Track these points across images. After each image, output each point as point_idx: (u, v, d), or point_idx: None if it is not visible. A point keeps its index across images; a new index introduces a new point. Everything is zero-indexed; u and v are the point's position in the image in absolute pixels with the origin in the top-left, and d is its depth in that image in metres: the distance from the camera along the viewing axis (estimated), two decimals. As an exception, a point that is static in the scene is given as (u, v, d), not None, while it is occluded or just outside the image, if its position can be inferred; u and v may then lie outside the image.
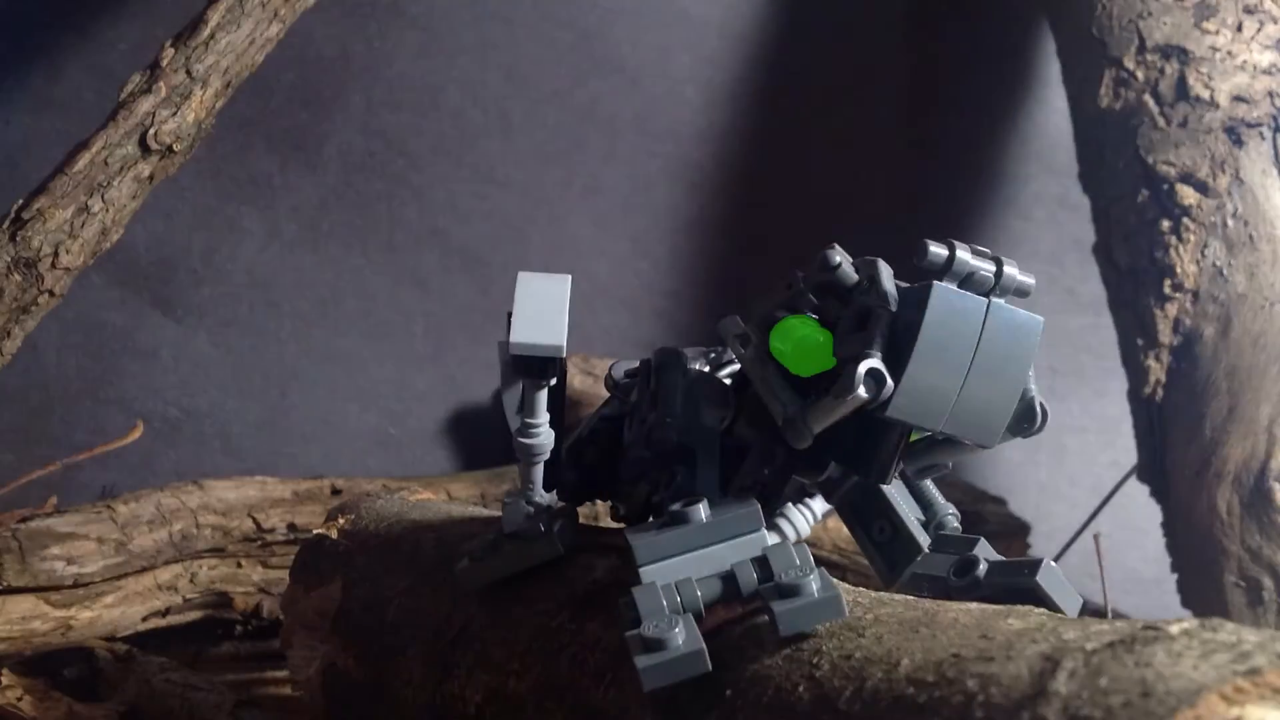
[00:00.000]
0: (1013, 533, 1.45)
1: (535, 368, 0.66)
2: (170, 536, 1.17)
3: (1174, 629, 0.45)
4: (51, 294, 1.05)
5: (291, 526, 1.22)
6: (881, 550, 0.68)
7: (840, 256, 0.61)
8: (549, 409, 0.68)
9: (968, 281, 0.59)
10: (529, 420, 0.67)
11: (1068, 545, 1.43)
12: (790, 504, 0.70)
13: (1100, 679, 0.42)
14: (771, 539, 0.61)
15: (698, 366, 0.72)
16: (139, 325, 1.48)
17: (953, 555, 0.66)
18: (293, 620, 0.88)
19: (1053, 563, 0.61)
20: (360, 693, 0.80)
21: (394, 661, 0.77)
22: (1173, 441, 1.24)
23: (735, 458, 0.66)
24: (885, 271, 0.60)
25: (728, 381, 0.70)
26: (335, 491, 1.26)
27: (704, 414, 0.65)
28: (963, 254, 0.59)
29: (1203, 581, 1.20)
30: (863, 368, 0.56)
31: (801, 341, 0.60)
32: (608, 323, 1.61)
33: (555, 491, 0.71)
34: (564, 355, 0.65)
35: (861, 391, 0.56)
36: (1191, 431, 1.21)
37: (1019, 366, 0.58)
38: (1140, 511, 1.34)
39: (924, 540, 0.68)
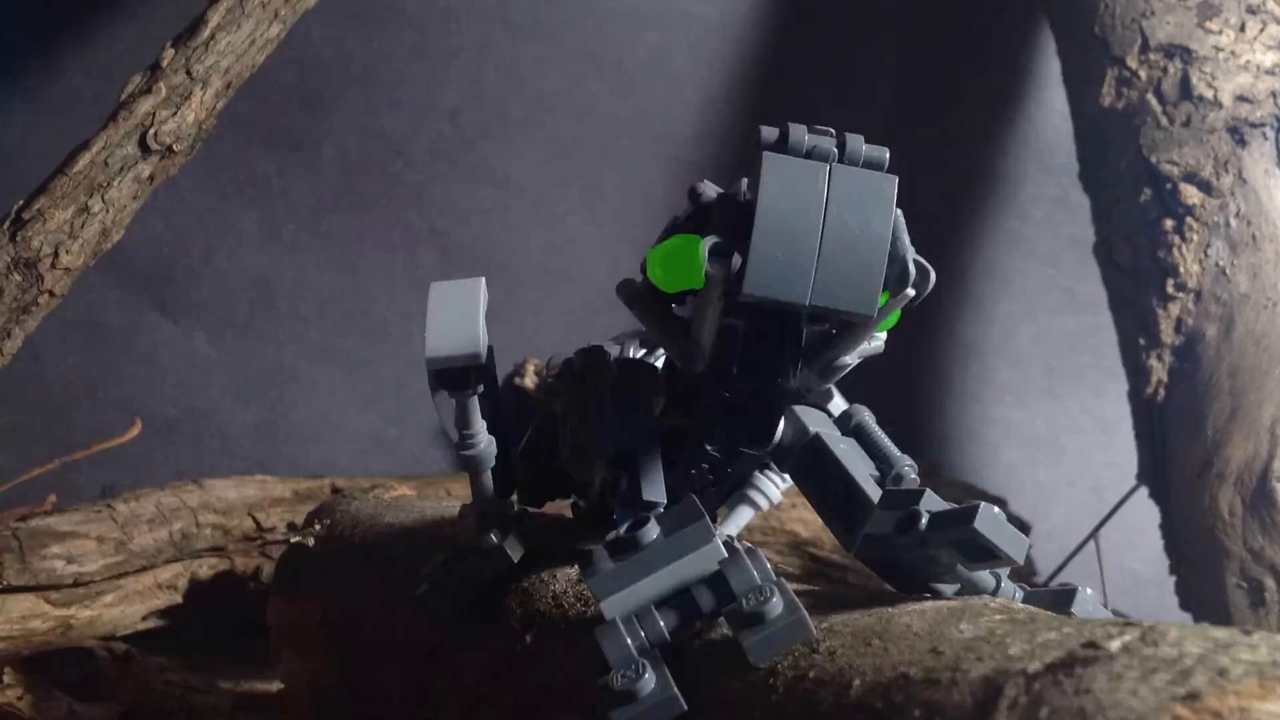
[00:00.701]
0: (1013, 533, 1.44)
1: (457, 379, 0.63)
2: (170, 536, 1.16)
3: (1114, 645, 0.43)
4: (51, 294, 1.05)
5: (291, 526, 1.22)
6: (837, 513, 0.63)
7: (705, 186, 0.60)
8: (485, 415, 0.65)
9: (810, 156, 0.58)
10: (465, 431, 0.64)
11: (1072, 555, 1.43)
12: (758, 472, 0.68)
13: (1040, 710, 0.42)
14: (724, 551, 0.58)
15: (631, 350, 0.70)
16: (139, 325, 1.48)
17: (897, 512, 0.61)
18: (279, 634, 0.88)
19: (993, 507, 0.58)
20: (347, 714, 0.79)
21: (375, 681, 0.76)
22: (1174, 442, 1.24)
23: (679, 442, 0.64)
24: (746, 183, 0.59)
25: (659, 365, 0.68)
26: (335, 491, 1.26)
27: (638, 413, 0.63)
28: (798, 131, 0.58)
29: (1204, 583, 1.20)
30: (705, 244, 0.55)
31: (668, 254, 0.59)
32: (607, 323, 1.60)
33: (516, 495, 0.69)
34: (483, 361, 0.63)
35: (709, 268, 0.55)
36: (1193, 432, 1.21)
37: (878, 226, 0.56)
38: (1140, 512, 1.34)
39: (877, 496, 0.63)
